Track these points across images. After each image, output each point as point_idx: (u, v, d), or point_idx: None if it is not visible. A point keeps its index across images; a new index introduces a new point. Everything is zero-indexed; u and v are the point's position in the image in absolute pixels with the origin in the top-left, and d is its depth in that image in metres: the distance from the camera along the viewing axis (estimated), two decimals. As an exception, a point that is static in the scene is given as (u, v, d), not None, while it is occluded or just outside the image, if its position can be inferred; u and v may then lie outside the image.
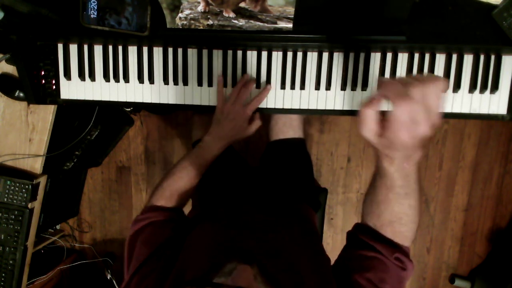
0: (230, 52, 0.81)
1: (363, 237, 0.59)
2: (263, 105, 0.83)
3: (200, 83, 0.83)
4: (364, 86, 0.80)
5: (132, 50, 0.83)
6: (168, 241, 0.65)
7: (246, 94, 0.79)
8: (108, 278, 1.83)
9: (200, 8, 0.71)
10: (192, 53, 0.82)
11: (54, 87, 0.85)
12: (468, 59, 0.78)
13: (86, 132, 1.22)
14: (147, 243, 0.65)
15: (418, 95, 0.43)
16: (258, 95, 0.80)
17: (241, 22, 0.72)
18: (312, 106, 0.82)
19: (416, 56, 0.79)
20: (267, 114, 1.05)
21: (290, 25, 0.72)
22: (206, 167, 0.81)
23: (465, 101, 0.80)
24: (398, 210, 0.55)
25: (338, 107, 0.82)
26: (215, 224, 0.67)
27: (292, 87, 0.82)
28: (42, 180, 1.07)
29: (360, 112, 0.49)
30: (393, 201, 0.54)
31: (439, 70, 0.79)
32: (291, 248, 0.60)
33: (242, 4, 0.70)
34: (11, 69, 0.93)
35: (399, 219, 0.56)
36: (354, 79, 0.80)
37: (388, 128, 0.46)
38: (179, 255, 0.60)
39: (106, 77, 0.84)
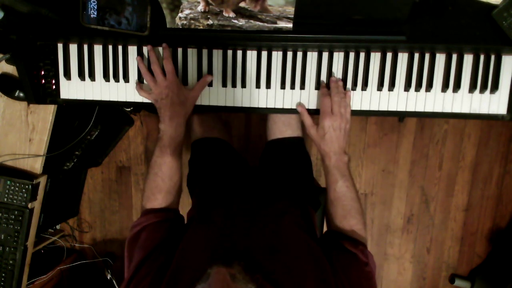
0: (230, 52, 0.81)
1: (332, 239, 0.71)
2: (263, 105, 0.83)
3: (200, 83, 0.83)
4: (364, 86, 0.80)
5: (132, 50, 0.83)
6: (162, 243, 0.65)
7: (157, 65, 0.77)
8: (108, 278, 1.83)
9: (200, 8, 0.71)
10: (192, 53, 0.82)
11: (54, 87, 0.85)
12: (468, 59, 0.78)
13: (86, 132, 1.22)
14: (143, 247, 0.65)
15: (335, 97, 0.76)
16: (164, 60, 0.78)
17: (241, 22, 0.72)
18: (312, 106, 0.82)
19: (416, 56, 0.79)
20: (266, 114, 1.05)
21: (290, 25, 0.72)
22: (175, 154, 0.77)
23: (465, 101, 0.80)
24: (346, 203, 0.72)
25: (338, 107, 0.82)
26: (210, 224, 0.67)
27: (292, 87, 0.82)
28: (42, 180, 1.07)
29: (300, 112, 0.81)
30: (341, 194, 0.72)
31: (439, 70, 0.79)
32: (289, 246, 0.60)
33: (242, 4, 0.70)
34: (11, 69, 0.93)
35: (349, 212, 0.72)
36: (354, 79, 0.80)
37: (319, 117, 0.76)
38: (175, 256, 0.60)
39: (106, 77, 0.84)
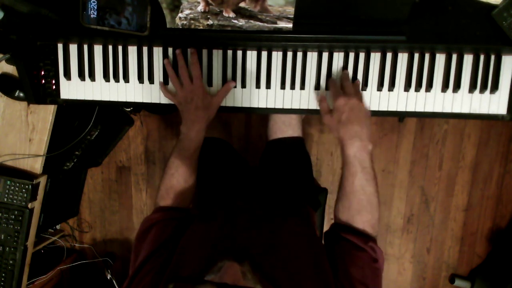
0: (230, 52, 0.81)
1: (340, 232, 0.67)
2: (263, 105, 0.83)
3: (200, 83, 0.83)
4: (364, 86, 0.80)
5: (132, 50, 0.83)
6: (168, 240, 0.65)
7: (185, 70, 0.78)
8: (108, 278, 1.83)
9: (200, 8, 0.71)
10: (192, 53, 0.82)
11: (54, 87, 0.85)
12: (468, 59, 0.78)
13: (86, 132, 1.22)
14: (151, 242, 0.65)
15: (346, 82, 0.75)
16: (191, 65, 0.78)
17: (241, 22, 0.72)
18: (312, 106, 0.82)
19: (416, 56, 0.79)
20: (266, 114, 1.05)
21: (290, 25, 0.72)
22: (193, 157, 0.79)
23: (465, 101, 0.80)
24: (363, 198, 0.66)
25: (338, 107, 0.82)
26: (210, 223, 0.67)
27: (292, 87, 0.82)
28: (42, 180, 1.07)
29: (319, 98, 0.76)
30: (359, 188, 0.66)
31: (439, 70, 0.79)
32: (288, 245, 0.60)
33: (242, 4, 0.70)
34: (11, 69, 0.93)
35: (365, 207, 0.66)
36: (354, 79, 0.80)
37: (333, 100, 0.71)
38: (175, 253, 0.60)
39: (106, 77, 0.84)
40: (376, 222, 0.67)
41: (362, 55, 0.79)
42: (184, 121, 0.78)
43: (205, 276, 0.47)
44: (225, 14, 0.71)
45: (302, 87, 0.82)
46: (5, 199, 1.04)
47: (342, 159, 0.70)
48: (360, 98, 0.70)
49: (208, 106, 0.78)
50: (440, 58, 0.78)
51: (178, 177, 0.77)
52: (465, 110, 0.80)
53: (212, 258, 0.51)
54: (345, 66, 0.80)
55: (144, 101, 0.85)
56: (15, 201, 1.04)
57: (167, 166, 0.78)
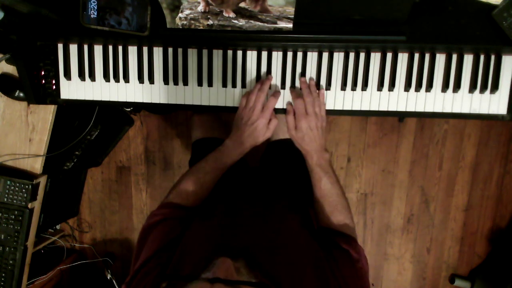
0: (230, 52, 0.81)
1: (323, 235, 0.72)
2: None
3: (200, 83, 0.83)
4: (364, 86, 0.80)
5: (132, 50, 0.83)
6: (174, 240, 0.65)
7: (263, 97, 0.78)
8: (108, 278, 1.83)
9: (200, 8, 0.71)
10: (192, 53, 0.82)
11: (54, 87, 0.85)
12: (468, 59, 0.78)
13: (86, 132, 1.22)
14: (157, 239, 0.65)
15: (307, 98, 0.77)
16: (271, 97, 0.79)
17: (241, 22, 0.72)
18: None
19: (416, 56, 0.79)
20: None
21: (290, 25, 0.72)
22: (224, 171, 0.81)
23: (465, 101, 0.80)
24: (332, 200, 0.74)
25: (338, 107, 0.82)
26: (210, 223, 0.67)
27: (293, 87, 0.82)
28: (42, 180, 1.07)
29: (287, 111, 0.80)
30: (326, 191, 0.74)
31: (439, 70, 0.79)
32: (289, 245, 0.61)
33: (242, 4, 0.70)
34: (11, 69, 0.93)
35: (335, 207, 0.74)
36: (354, 79, 0.80)
37: (296, 121, 0.77)
38: (176, 252, 0.60)
39: (106, 77, 0.84)
40: (350, 222, 0.74)
41: (362, 55, 0.79)
42: (234, 137, 0.80)
43: (201, 274, 0.47)
44: (225, 14, 0.71)
45: (302, 87, 0.82)
46: (5, 199, 1.04)
47: (307, 168, 0.79)
48: (319, 116, 0.77)
49: (259, 137, 0.79)
50: (440, 58, 0.78)
51: (204, 183, 0.79)
52: (465, 110, 0.80)
53: (211, 257, 0.51)
54: (345, 66, 0.80)
55: (144, 101, 0.85)
56: (15, 201, 1.04)
57: (197, 168, 0.80)
